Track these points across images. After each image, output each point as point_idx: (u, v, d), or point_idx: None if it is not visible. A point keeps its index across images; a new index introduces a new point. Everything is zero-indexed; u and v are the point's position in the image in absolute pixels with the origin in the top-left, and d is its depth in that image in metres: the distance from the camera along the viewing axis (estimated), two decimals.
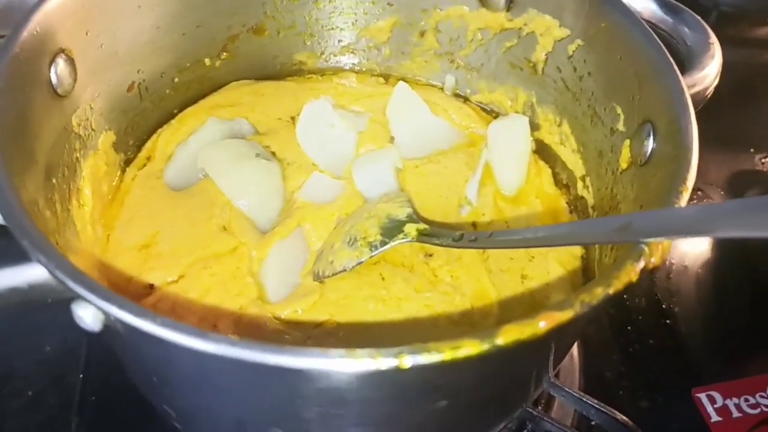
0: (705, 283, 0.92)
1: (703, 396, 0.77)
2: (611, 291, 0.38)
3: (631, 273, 0.39)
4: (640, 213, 0.51)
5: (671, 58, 0.56)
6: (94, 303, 0.37)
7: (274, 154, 0.75)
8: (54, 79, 0.58)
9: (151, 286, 0.62)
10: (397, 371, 0.36)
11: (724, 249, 0.94)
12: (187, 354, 0.39)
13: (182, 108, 0.79)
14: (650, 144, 0.55)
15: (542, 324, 0.36)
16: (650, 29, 0.59)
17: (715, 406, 0.77)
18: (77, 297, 0.41)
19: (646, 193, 0.54)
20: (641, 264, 0.40)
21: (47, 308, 0.73)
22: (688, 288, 0.90)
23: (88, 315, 0.40)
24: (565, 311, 0.37)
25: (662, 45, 0.58)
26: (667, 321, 0.85)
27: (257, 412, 0.47)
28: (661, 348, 0.82)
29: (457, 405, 0.45)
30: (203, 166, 0.71)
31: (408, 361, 0.35)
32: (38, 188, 0.53)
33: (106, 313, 0.38)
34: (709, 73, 0.63)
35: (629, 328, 0.84)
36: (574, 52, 0.69)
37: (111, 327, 0.41)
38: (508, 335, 0.36)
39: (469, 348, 0.35)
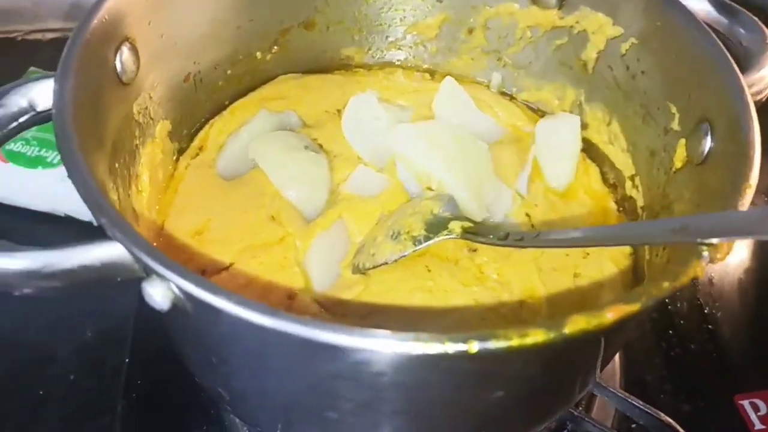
0: (748, 289, 0.91)
1: (746, 403, 0.76)
2: (678, 285, 0.38)
3: (697, 268, 0.39)
4: (696, 216, 0.50)
5: (730, 57, 0.56)
6: (171, 279, 0.38)
7: (321, 146, 0.76)
8: (119, 67, 0.60)
9: (203, 272, 0.63)
10: (464, 356, 0.36)
11: (765, 254, 0.93)
12: (253, 332, 0.40)
13: (233, 100, 0.80)
14: (708, 143, 0.55)
15: (610, 315, 0.36)
16: (707, 27, 0.59)
17: (758, 413, 0.76)
18: (149, 275, 0.42)
19: (704, 193, 0.53)
20: (707, 259, 0.40)
21: (90, 295, 0.76)
22: (731, 293, 0.89)
23: (158, 293, 0.42)
24: (632, 303, 0.37)
25: (720, 43, 0.57)
26: (710, 326, 0.85)
27: (313, 393, 0.48)
28: (703, 353, 0.81)
29: (511, 397, 0.46)
30: (254, 157, 0.72)
31: (476, 346, 0.35)
32: (106, 172, 0.54)
33: (177, 290, 0.40)
34: (766, 74, 0.62)
35: (671, 332, 0.83)
36: (627, 50, 0.69)
37: (179, 305, 0.42)
38: (575, 324, 0.36)
39: (537, 336, 0.36)
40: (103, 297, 0.77)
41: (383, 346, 0.37)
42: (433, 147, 0.68)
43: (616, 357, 0.78)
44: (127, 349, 0.75)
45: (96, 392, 0.73)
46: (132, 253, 0.40)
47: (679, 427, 0.65)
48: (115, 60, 0.59)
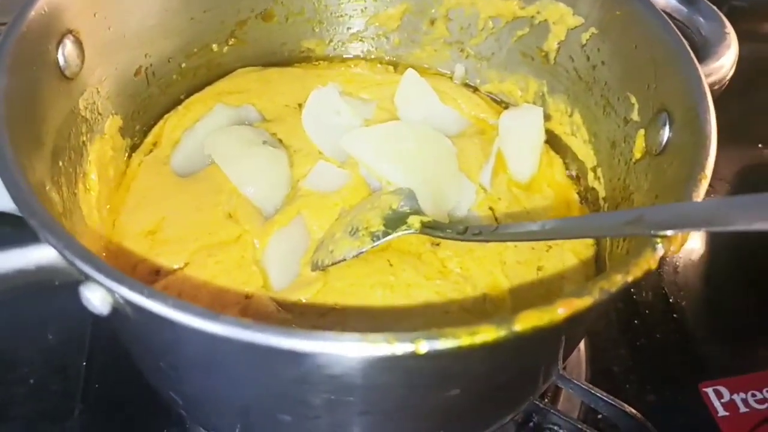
0: (712, 278, 0.91)
1: (710, 390, 0.77)
2: (630, 278, 0.37)
3: (651, 261, 0.39)
4: (651, 207, 0.50)
5: (688, 46, 0.55)
6: (104, 284, 0.37)
7: (281, 141, 0.74)
8: (61, 61, 0.57)
9: (157, 273, 0.61)
10: (413, 357, 0.35)
11: (730, 244, 0.94)
12: (197, 337, 0.38)
13: (189, 94, 0.78)
14: (666, 133, 0.55)
15: (561, 310, 0.35)
16: (667, 17, 0.59)
17: (722, 400, 0.76)
18: (86, 279, 0.40)
19: (661, 183, 0.53)
20: (660, 252, 0.39)
21: (51, 296, 0.73)
22: (696, 282, 0.90)
23: (97, 297, 0.40)
24: (584, 298, 0.36)
25: (679, 33, 0.57)
26: (674, 315, 0.85)
27: (265, 397, 0.46)
28: (668, 342, 0.82)
29: (469, 394, 0.45)
30: (210, 153, 0.70)
31: (424, 346, 0.34)
32: (45, 171, 0.52)
33: (115, 295, 0.38)
34: (725, 63, 0.62)
35: (636, 322, 0.83)
36: (587, 40, 0.68)
37: (119, 310, 0.40)
38: (525, 321, 0.35)
39: (486, 334, 0.35)
40: (65, 299, 0.75)
41: (329, 349, 0.35)
42: (387, 152, 0.67)
43: (582, 348, 0.78)
44: (85, 352, 0.73)
45: (58, 395, 0.70)
46: (64, 257, 0.38)
47: (642, 418, 0.65)
48: (57, 54, 0.57)
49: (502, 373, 0.45)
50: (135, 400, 0.70)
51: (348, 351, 0.35)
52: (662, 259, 0.39)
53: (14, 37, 0.51)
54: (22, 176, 0.42)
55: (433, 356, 0.35)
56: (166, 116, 0.75)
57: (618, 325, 0.83)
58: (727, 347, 0.83)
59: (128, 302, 0.38)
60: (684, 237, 0.40)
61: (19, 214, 0.78)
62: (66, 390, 0.70)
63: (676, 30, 0.57)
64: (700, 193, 0.44)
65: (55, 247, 0.38)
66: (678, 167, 0.50)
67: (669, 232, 0.40)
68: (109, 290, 0.37)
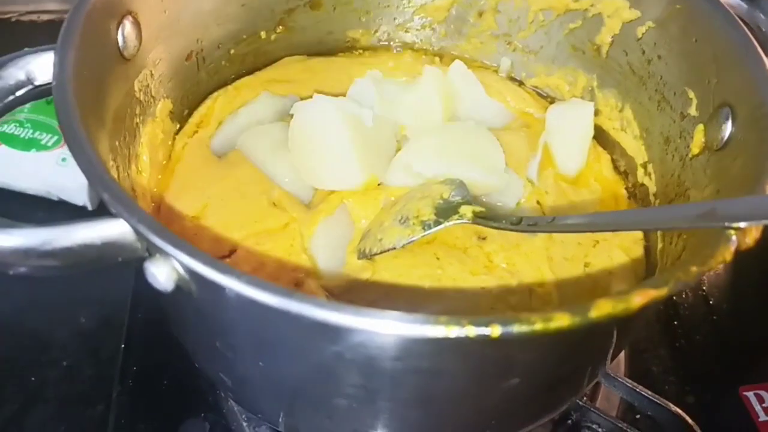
0: (753, 280, 0.90)
1: (750, 395, 0.76)
2: (706, 269, 0.37)
3: (726, 253, 0.38)
4: (723, 200, 0.49)
5: (755, 41, 0.54)
6: (176, 257, 0.37)
7: None
8: (121, 41, 0.58)
9: None
10: (485, 341, 0.35)
11: None
12: (263, 313, 0.38)
13: (235, 80, 0.78)
14: (728, 128, 0.54)
15: (638, 299, 0.35)
16: (730, 10, 0.57)
17: (763, 405, 0.75)
18: (152, 254, 0.40)
19: (724, 179, 0.52)
20: (734, 244, 0.39)
21: (89, 279, 0.74)
22: (736, 285, 0.88)
23: (162, 273, 0.40)
24: (660, 288, 0.36)
25: (744, 27, 0.56)
26: (714, 317, 0.84)
27: (321, 379, 0.46)
28: (708, 344, 0.81)
29: (526, 386, 0.45)
30: (243, 152, 0.70)
31: (499, 330, 0.34)
32: (106, 149, 0.52)
33: (186, 269, 0.38)
34: None
35: (676, 323, 0.82)
36: (643, 34, 0.67)
37: (183, 286, 0.40)
38: (601, 309, 0.35)
39: (562, 320, 0.34)
40: (98, 282, 0.76)
41: (396, 329, 0.35)
42: (431, 149, 0.67)
43: None
44: (122, 335, 0.73)
45: (92, 379, 0.71)
46: (136, 230, 0.38)
47: (687, 417, 0.64)
48: (117, 34, 0.57)
49: (557, 366, 0.45)
50: (172, 384, 0.70)
51: (421, 331, 0.35)
52: (737, 251, 0.39)
53: (81, 15, 0.51)
54: (93, 150, 0.42)
55: (504, 341, 0.35)
56: (214, 95, 0.75)
57: (658, 326, 0.82)
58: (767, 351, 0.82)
59: (196, 276, 0.38)
60: (758, 229, 0.39)
61: (56, 198, 0.81)
62: (100, 373, 0.71)
63: (741, 23, 0.56)
64: None
65: (126, 220, 0.39)
66: (743, 163, 0.49)
67: (742, 224, 0.39)
68: (179, 263, 0.37)
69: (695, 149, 0.59)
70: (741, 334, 0.83)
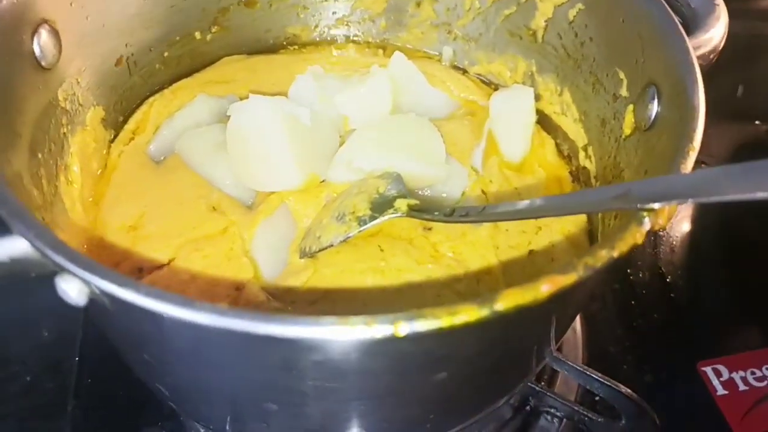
0: (710, 257, 0.91)
1: (708, 369, 0.76)
2: (615, 254, 0.36)
3: (636, 235, 0.38)
4: (638, 181, 0.49)
5: (676, 19, 0.54)
6: (76, 273, 0.36)
7: None
8: (37, 51, 0.56)
9: (141, 270, 0.60)
10: (393, 339, 0.34)
11: (725, 221, 0.92)
12: (176, 326, 0.37)
13: (173, 83, 0.77)
14: (654, 107, 0.54)
15: (545, 288, 0.34)
16: None
17: (721, 379, 0.76)
18: (60, 270, 0.39)
19: (650, 158, 0.52)
20: (647, 226, 0.38)
21: (44, 289, 0.73)
22: (693, 261, 0.89)
23: (73, 288, 0.39)
24: (568, 275, 0.35)
25: (666, 5, 0.55)
26: (672, 295, 0.84)
27: (251, 386, 0.45)
28: (665, 322, 0.81)
29: (457, 377, 0.44)
30: (181, 155, 0.69)
31: (404, 328, 0.33)
32: (22, 163, 0.51)
33: (89, 285, 0.37)
34: (714, 36, 0.60)
35: (633, 302, 0.83)
36: (575, 17, 0.67)
37: (97, 301, 0.39)
38: (508, 300, 0.34)
39: (467, 314, 0.34)
40: (56, 293, 0.74)
41: (307, 333, 0.34)
42: (370, 142, 0.66)
43: (578, 329, 0.77)
44: (76, 348, 0.72)
45: (52, 392, 0.70)
46: (35, 247, 0.37)
47: (639, 398, 0.64)
48: (32, 44, 0.56)
49: (489, 354, 0.44)
50: (128, 395, 0.69)
51: (327, 335, 0.34)
52: (649, 233, 0.38)
53: None
54: None
55: (414, 338, 0.35)
56: (150, 100, 0.74)
57: (614, 305, 0.82)
58: (725, 325, 0.83)
59: (102, 291, 0.37)
60: (671, 210, 0.39)
61: None
62: (60, 386, 0.70)
63: (663, 2, 0.56)
64: (688, 165, 0.43)
65: (25, 237, 0.37)
66: (667, 141, 0.49)
67: (656, 205, 0.39)
68: (82, 280, 0.36)
69: (627, 130, 0.58)
70: (698, 310, 0.83)
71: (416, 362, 0.40)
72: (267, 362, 0.41)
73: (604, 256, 0.36)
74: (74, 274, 0.36)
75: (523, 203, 0.49)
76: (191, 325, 0.35)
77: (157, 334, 0.42)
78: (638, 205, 0.38)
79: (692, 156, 0.43)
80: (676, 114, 0.49)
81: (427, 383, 0.44)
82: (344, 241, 0.59)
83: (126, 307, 0.37)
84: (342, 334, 0.34)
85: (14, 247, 0.41)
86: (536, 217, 0.61)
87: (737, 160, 1.02)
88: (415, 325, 0.34)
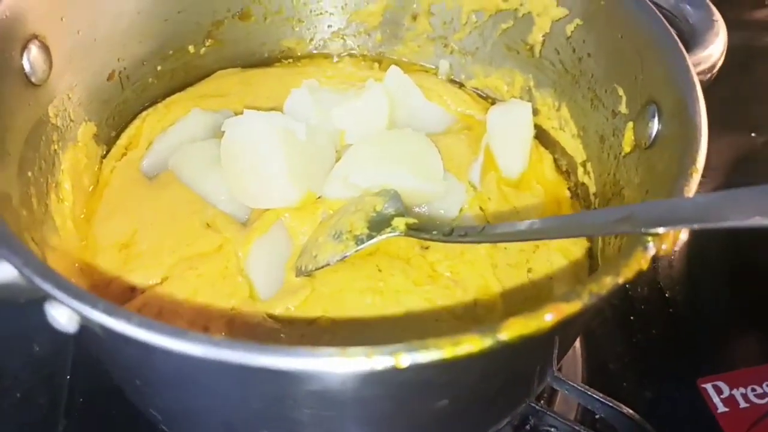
0: (709, 272, 0.90)
1: (708, 386, 0.75)
2: (621, 280, 0.36)
3: (641, 261, 0.37)
4: (642, 204, 0.48)
5: (676, 35, 0.54)
6: (65, 302, 0.35)
7: None
8: (27, 67, 0.55)
9: (133, 289, 0.59)
10: (394, 371, 0.33)
11: (726, 236, 0.92)
12: (168, 356, 0.36)
13: (166, 97, 0.76)
14: (655, 125, 0.53)
15: (548, 317, 0.33)
16: (652, 6, 0.57)
17: (721, 396, 0.75)
18: (48, 296, 0.38)
19: (652, 177, 0.51)
20: (651, 251, 0.37)
21: (36, 307, 0.71)
22: (693, 276, 0.88)
23: (63, 315, 0.38)
24: (572, 302, 0.34)
25: (666, 22, 0.55)
26: (671, 310, 0.83)
27: (245, 414, 0.44)
28: (665, 338, 0.80)
29: (459, 404, 0.43)
30: (174, 172, 0.68)
31: (405, 360, 0.32)
32: (11, 182, 0.50)
33: (77, 313, 0.36)
34: (713, 52, 0.60)
35: (632, 318, 0.82)
36: (572, 32, 0.66)
37: (88, 328, 0.38)
38: (511, 330, 0.33)
39: (471, 344, 0.33)
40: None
41: (304, 365, 0.33)
42: (367, 158, 0.65)
43: (577, 345, 0.76)
44: (68, 366, 0.71)
45: (45, 408, 0.68)
46: (22, 274, 0.36)
47: (640, 418, 0.63)
48: (21, 60, 0.55)
49: (491, 380, 0.43)
50: (120, 413, 0.68)
51: (325, 367, 0.33)
52: (654, 258, 0.37)
53: None
54: None
55: (416, 369, 0.33)
56: (143, 114, 0.73)
57: (614, 321, 0.81)
58: (725, 341, 0.82)
59: (92, 321, 0.36)
60: (676, 235, 0.38)
61: None
62: (53, 402, 0.68)
63: (662, 18, 0.56)
64: (691, 188, 0.42)
65: (11, 263, 0.36)
66: (668, 161, 0.49)
67: (660, 230, 0.38)
68: (71, 308, 0.35)
69: (627, 147, 0.58)
70: (698, 326, 0.82)
71: (416, 391, 0.39)
72: (263, 392, 0.40)
73: (609, 283, 0.35)
74: (64, 303, 0.35)
75: (523, 224, 0.48)
76: (185, 356, 0.34)
77: (149, 363, 0.41)
78: (642, 230, 0.38)
79: (696, 178, 0.43)
80: (677, 133, 0.48)
81: (426, 410, 0.43)
82: (341, 260, 0.58)
83: (117, 336, 0.36)
84: (341, 366, 0.33)
85: (3, 272, 0.39)
86: (536, 239, 0.60)
87: (735, 172, 1.03)
88: (417, 356, 0.32)
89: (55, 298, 0.35)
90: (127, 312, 0.34)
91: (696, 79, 0.50)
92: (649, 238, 0.38)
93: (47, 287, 0.35)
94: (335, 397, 0.39)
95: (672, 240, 0.38)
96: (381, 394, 0.39)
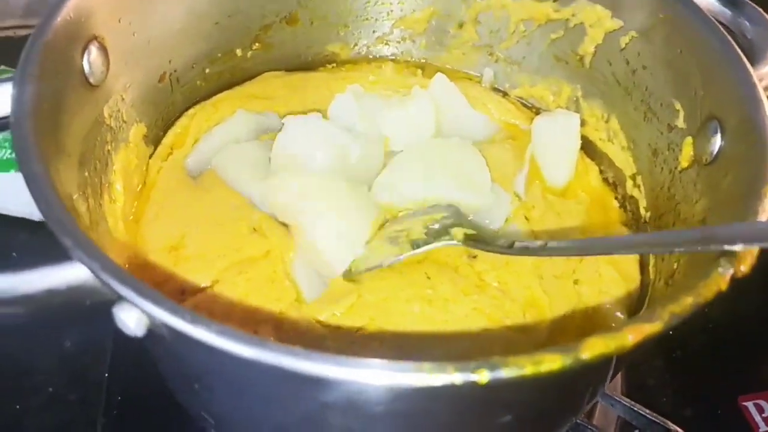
0: (750, 286, 0.88)
1: (750, 404, 0.74)
2: (701, 301, 0.35)
3: (721, 281, 0.36)
4: (723, 225, 0.47)
5: (740, 51, 0.53)
6: (143, 308, 0.35)
7: None
8: (86, 68, 0.55)
9: (183, 291, 0.59)
10: (471, 386, 0.33)
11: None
12: (237, 362, 0.36)
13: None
14: (717, 142, 0.52)
15: (631, 337, 0.33)
16: (714, 20, 0.56)
17: (763, 415, 0.74)
18: (120, 299, 0.38)
19: (715, 195, 0.51)
20: (730, 271, 0.37)
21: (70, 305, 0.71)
22: (731, 290, 0.87)
23: (132, 319, 0.38)
24: (654, 323, 0.34)
25: (729, 37, 0.54)
26: (710, 325, 0.82)
27: (303, 423, 0.44)
28: (705, 354, 0.79)
29: (521, 420, 0.43)
30: (219, 173, 0.68)
31: (486, 376, 0.32)
32: (72, 181, 0.50)
33: (154, 319, 0.36)
34: None
35: (672, 332, 0.80)
36: (627, 44, 0.66)
37: (156, 332, 0.38)
38: (593, 349, 0.33)
39: (552, 363, 0.32)
40: (83, 304, 0.73)
41: (379, 378, 0.33)
42: (415, 172, 0.65)
43: None
44: (107, 363, 0.71)
45: (77, 405, 0.68)
46: (99, 278, 0.36)
47: None
48: (82, 61, 0.55)
49: (554, 399, 0.43)
50: (159, 413, 0.67)
51: (401, 380, 0.33)
52: (732, 279, 0.37)
53: (40, 44, 0.49)
54: (53, 191, 0.40)
55: (494, 386, 0.33)
56: (190, 112, 0.73)
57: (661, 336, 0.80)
58: (766, 358, 0.81)
59: (167, 326, 0.36)
60: (753, 255, 0.38)
61: (38, 219, 0.78)
62: (88, 400, 0.68)
63: (726, 34, 0.55)
64: (765, 208, 0.42)
65: (89, 267, 0.36)
66: (734, 178, 0.48)
67: (737, 247, 0.37)
68: (147, 313, 0.35)
69: (684, 162, 0.57)
70: (738, 342, 0.81)
71: (485, 406, 0.39)
72: (326, 401, 0.39)
73: (689, 304, 0.35)
74: (141, 308, 0.35)
75: (588, 240, 0.47)
76: (257, 363, 0.34)
77: (215, 368, 0.41)
78: (725, 247, 0.37)
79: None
80: (744, 151, 0.48)
81: (488, 426, 0.43)
82: (394, 262, 0.58)
83: (189, 342, 0.36)
84: (419, 380, 0.33)
85: (71, 274, 0.40)
86: (600, 254, 0.59)
87: None
88: (499, 372, 0.32)
89: (132, 303, 0.35)
90: (207, 319, 0.34)
91: (763, 96, 0.49)
92: (726, 260, 0.37)
93: (126, 292, 0.35)
94: (402, 409, 0.38)
95: (749, 260, 0.37)
96: (447, 409, 0.39)
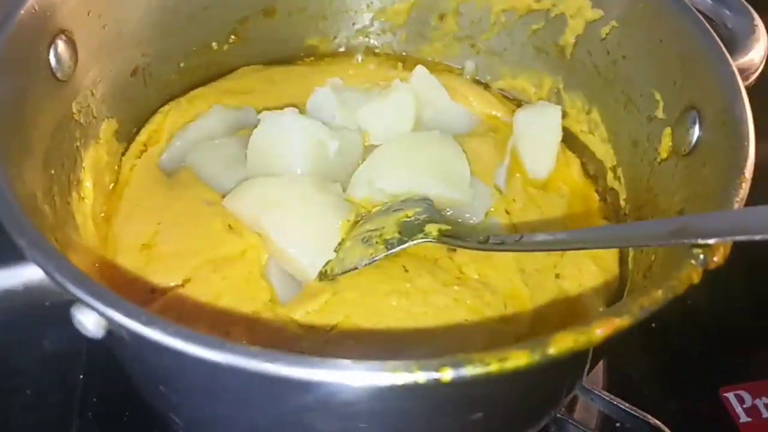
0: (732, 278, 0.88)
1: (731, 396, 0.74)
2: (671, 295, 0.34)
3: (693, 274, 0.36)
4: (694, 215, 0.47)
5: (720, 41, 0.52)
6: (98, 309, 0.34)
7: None
8: (53, 62, 0.54)
9: (153, 291, 0.58)
10: (436, 384, 0.32)
11: (749, 246, 0.90)
12: (200, 365, 0.35)
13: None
14: (696, 132, 0.52)
15: (599, 331, 0.32)
16: (695, 10, 0.55)
17: (744, 406, 0.73)
18: (78, 301, 0.37)
19: (692, 185, 0.50)
20: (703, 263, 0.36)
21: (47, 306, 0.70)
22: (714, 283, 0.86)
23: (90, 321, 0.37)
24: (623, 317, 0.33)
25: (709, 27, 0.53)
26: (693, 319, 0.82)
27: (272, 424, 0.43)
28: (687, 347, 0.79)
29: (493, 417, 0.42)
30: (193, 169, 0.67)
31: (449, 374, 0.31)
32: (36, 180, 0.49)
33: (110, 321, 0.35)
34: (754, 58, 0.59)
35: (653, 325, 0.80)
36: (607, 34, 0.65)
37: (115, 333, 0.37)
38: (561, 344, 0.32)
39: (518, 359, 0.32)
40: (61, 305, 0.72)
41: (344, 379, 0.32)
42: (391, 163, 0.64)
43: None
44: (83, 364, 0.70)
45: (55, 407, 0.67)
46: (54, 280, 0.35)
47: (666, 429, 0.62)
48: (48, 55, 0.54)
49: (529, 393, 0.42)
50: (134, 414, 0.67)
51: (364, 380, 0.32)
52: (704, 271, 0.36)
53: (3, 38, 0.48)
54: (11, 190, 0.39)
55: (459, 383, 0.32)
56: (164, 109, 0.72)
57: (635, 330, 0.79)
58: (748, 351, 0.81)
59: (124, 328, 0.35)
60: (727, 247, 0.37)
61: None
62: (66, 402, 0.67)
63: (706, 24, 0.54)
64: (741, 198, 0.41)
65: (43, 269, 0.35)
66: (712, 169, 0.47)
67: (711, 241, 0.36)
68: (104, 316, 0.34)
69: (663, 153, 0.56)
70: (720, 335, 0.81)
71: (453, 405, 0.38)
72: (292, 403, 0.38)
73: (660, 297, 0.34)
74: (97, 310, 0.34)
75: (564, 234, 0.47)
76: (219, 366, 0.33)
77: (178, 370, 0.40)
78: (698, 240, 0.36)
79: (745, 188, 0.41)
80: (721, 141, 0.47)
81: (460, 424, 0.42)
82: (369, 264, 0.57)
83: (148, 344, 0.35)
84: (382, 380, 0.32)
85: (28, 274, 0.39)
86: (577, 249, 0.58)
87: None
88: (462, 370, 0.31)
89: (87, 305, 0.34)
90: (163, 321, 0.33)
91: (742, 87, 0.48)
92: (700, 251, 0.37)
93: (81, 294, 0.34)
94: (369, 408, 0.38)
95: (723, 252, 0.37)
96: (416, 408, 0.38)
